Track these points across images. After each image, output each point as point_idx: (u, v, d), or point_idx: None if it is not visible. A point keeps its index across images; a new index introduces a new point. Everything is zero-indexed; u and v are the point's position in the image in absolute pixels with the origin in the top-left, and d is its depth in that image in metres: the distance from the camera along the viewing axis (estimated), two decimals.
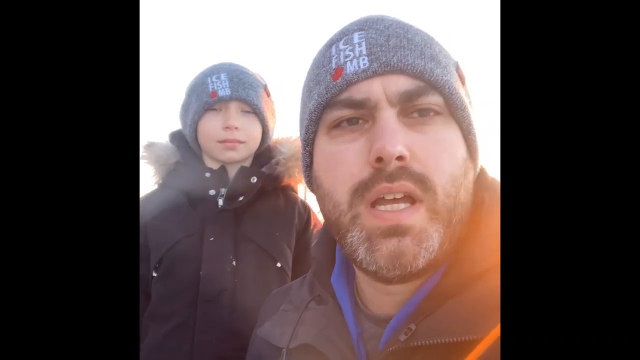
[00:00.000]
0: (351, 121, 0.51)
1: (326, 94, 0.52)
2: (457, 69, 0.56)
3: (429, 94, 0.50)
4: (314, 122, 0.54)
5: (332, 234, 0.55)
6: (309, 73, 0.58)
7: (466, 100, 0.53)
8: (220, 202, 1.10)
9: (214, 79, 1.11)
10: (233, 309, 1.02)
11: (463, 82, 0.56)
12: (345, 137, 0.52)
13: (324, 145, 0.54)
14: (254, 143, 1.16)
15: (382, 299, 0.56)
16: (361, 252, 0.49)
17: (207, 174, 1.13)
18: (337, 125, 0.52)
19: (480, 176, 0.58)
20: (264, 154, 1.20)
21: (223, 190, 1.11)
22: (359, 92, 0.50)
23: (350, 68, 0.50)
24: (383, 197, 0.49)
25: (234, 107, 1.12)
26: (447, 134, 0.51)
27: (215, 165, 1.15)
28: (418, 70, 0.50)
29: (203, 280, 1.02)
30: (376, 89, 0.49)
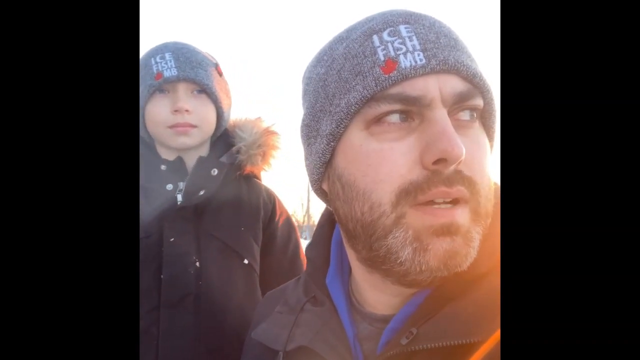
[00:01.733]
0: (401, 116, 0.49)
1: (375, 86, 0.48)
2: None
3: (476, 97, 0.50)
4: (350, 116, 0.50)
5: (359, 235, 0.52)
6: (335, 62, 0.53)
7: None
8: (179, 197, 1.00)
9: (157, 60, 1.00)
10: (198, 313, 0.95)
11: None
12: (391, 134, 0.49)
13: (361, 141, 0.50)
14: (209, 127, 1.06)
15: (382, 299, 0.55)
16: (406, 254, 0.47)
17: (163, 167, 1.02)
18: (379, 120, 0.49)
19: None
20: (222, 140, 1.10)
21: (181, 185, 1.01)
22: (413, 88, 0.47)
23: (405, 62, 0.48)
24: (433, 200, 0.47)
25: (182, 88, 1.00)
26: (484, 137, 0.52)
27: (170, 156, 1.05)
28: (471, 72, 0.49)
29: (164, 285, 0.94)
30: (432, 87, 0.48)
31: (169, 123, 1.00)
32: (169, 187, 1.01)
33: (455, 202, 0.47)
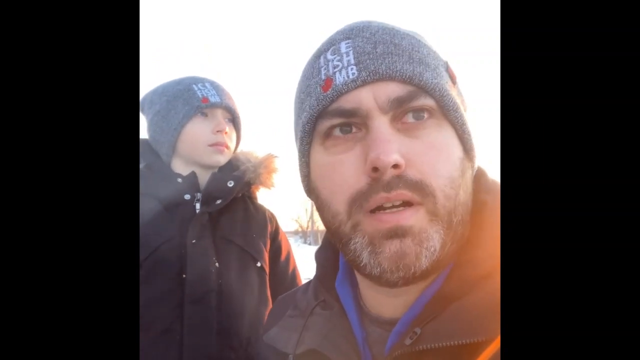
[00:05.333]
0: (344, 129, 0.52)
1: (317, 105, 0.52)
2: (447, 69, 0.56)
3: (421, 98, 0.50)
4: (308, 134, 0.55)
5: (334, 242, 0.55)
6: (299, 84, 0.58)
7: (458, 101, 0.53)
8: (198, 206, 1.11)
9: (200, 87, 1.16)
10: (220, 309, 1.04)
11: (454, 82, 0.56)
12: (339, 147, 0.52)
13: (319, 155, 0.54)
14: (232, 150, 1.21)
15: (387, 303, 0.56)
16: (365, 257, 0.50)
17: (179, 180, 1.13)
18: (330, 135, 0.53)
19: (481, 178, 0.58)
20: (227, 164, 1.23)
21: (198, 195, 1.12)
22: (348, 101, 0.50)
23: (339, 78, 0.51)
24: (382, 205, 0.49)
25: (220, 113, 1.16)
26: (442, 136, 0.51)
27: (184, 172, 1.16)
28: (407, 76, 0.50)
29: (188, 283, 1.02)
30: (366, 98, 0.50)
31: (210, 142, 1.14)
32: (187, 197, 1.11)
33: (405, 204, 0.48)
